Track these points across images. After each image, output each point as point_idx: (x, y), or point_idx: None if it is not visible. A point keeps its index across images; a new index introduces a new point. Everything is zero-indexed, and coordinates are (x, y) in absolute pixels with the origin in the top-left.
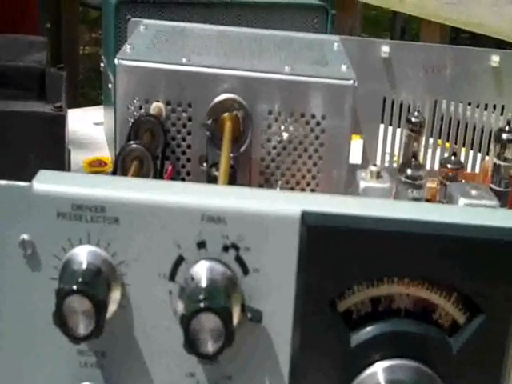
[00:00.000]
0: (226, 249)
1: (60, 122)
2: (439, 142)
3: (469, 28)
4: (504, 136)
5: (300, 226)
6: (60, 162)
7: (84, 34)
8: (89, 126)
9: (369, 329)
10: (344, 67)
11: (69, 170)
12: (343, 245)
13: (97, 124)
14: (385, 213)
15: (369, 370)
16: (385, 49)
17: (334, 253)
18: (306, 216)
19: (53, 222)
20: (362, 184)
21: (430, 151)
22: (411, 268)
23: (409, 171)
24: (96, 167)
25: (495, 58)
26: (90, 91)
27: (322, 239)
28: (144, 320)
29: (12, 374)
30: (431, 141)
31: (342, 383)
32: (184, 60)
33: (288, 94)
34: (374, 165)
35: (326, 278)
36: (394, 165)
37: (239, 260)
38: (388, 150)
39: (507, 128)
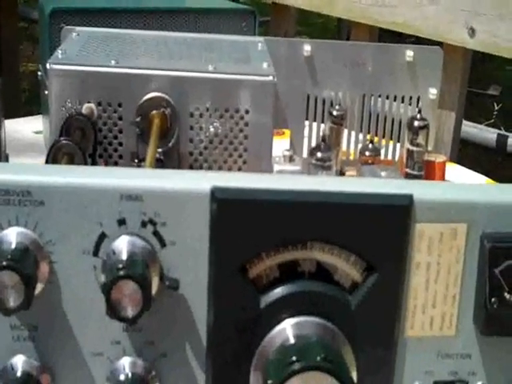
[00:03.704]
0: (144, 224)
1: None
2: (369, 136)
3: (394, 28)
4: (416, 123)
5: (210, 200)
6: None
7: (27, 50)
8: (29, 135)
9: (276, 291)
10: (265, 64)
11: None
12: (250, 216)
13: (36, 132)
14: (286, 185)
15: (278, 327)
16: (306, 48)
17: (242, 224)
18: (215, 191)
19: None
20: (276, 167)
21: (353, 142)
22: (312, 234)
23: (318, 154)
24: None
25: (409, 53)
26: (36, 107)
27: (230, 212)
28: (71, 294)
29: None
30: (357, 134)
31: (254, 341)
32: (113, 62)
33: (212, 90)
34: (287, 150)
35: (236, 247)
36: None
37: (157, 234)
38: (313, 142)
39: (418, 116)
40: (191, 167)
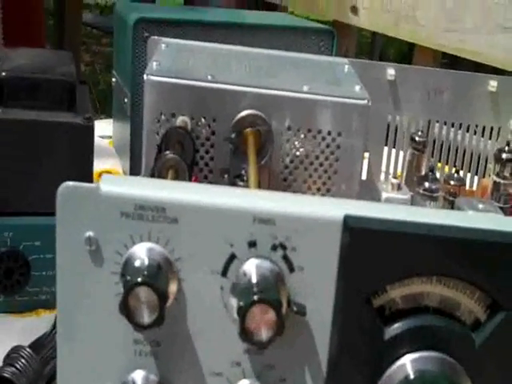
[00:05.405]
0: (274, 248)
1: (89, 132)
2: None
3: (462, 55)
4: (504, 156)
5: (342, 228)
6: (89, 169)
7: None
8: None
9: (400, 323)
10: (357, 88)
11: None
12: (380, 246)
13: (101, 137)
14: (418, 218)
15: (398, 362)
16: (390, 71)
17: (371, 254)
18: (347, 219)
19: (116, 220)
20: (384, 195)
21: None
22: (438, 269)
23: (426, 184)
24: None
25: (493, 83)
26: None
27: (361, 241)
28: (196, 313)
29: (72, 358)
30: (436, 162)
31: (374, 375)
32: (209, 77)
33: (306, 111)
34: (395, 177)
35: (364, 276)
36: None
37: (286, 258)
38: (392, 167)
39: (507, 148)
40: (280, 186)
